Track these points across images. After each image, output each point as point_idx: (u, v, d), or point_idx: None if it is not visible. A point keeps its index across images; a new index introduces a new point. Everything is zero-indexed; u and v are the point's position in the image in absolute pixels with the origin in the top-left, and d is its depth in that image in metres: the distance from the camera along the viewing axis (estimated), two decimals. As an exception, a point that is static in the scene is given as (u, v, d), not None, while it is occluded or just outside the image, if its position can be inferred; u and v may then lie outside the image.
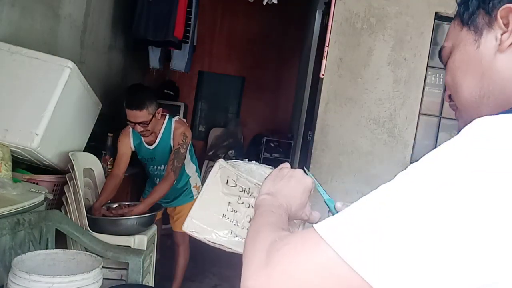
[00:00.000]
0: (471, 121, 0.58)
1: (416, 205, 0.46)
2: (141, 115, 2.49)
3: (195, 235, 0.90)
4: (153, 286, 2.52)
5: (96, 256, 1.79)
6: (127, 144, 2.72)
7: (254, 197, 0.86)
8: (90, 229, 2.23)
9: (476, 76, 0.64)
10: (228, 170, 0.93)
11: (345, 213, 0.51)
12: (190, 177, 2.90)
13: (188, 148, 2.74)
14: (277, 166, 0.86)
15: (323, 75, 2.98)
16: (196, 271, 3.57)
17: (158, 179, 2.82)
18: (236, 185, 0.90)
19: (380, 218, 0.47)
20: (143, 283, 2.19)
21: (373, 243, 0.46)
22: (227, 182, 0.91)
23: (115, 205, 2.58)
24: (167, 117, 2.72)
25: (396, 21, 3.09)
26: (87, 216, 2.25)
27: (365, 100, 3.11)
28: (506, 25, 0.61)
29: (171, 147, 2.69)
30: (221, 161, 0.95)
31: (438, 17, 3.11)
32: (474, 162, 0.46)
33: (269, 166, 0.94)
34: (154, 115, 2.54)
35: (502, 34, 0.62)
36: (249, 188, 0.90)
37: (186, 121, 3.07)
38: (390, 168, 3.08)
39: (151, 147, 2.72)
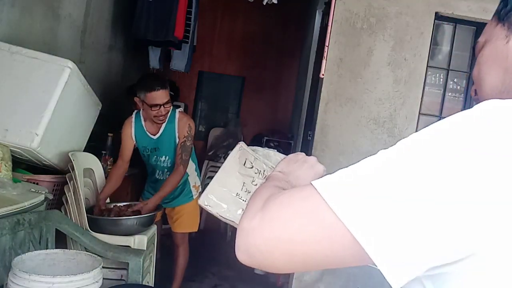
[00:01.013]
0: None
1: (412, 173, 0.49)
2: (166, 94, 2.56)
3: (209, 209, 0.95)
4: (153, 286, 2.52)
5: (96, 256, 1.79)
6: (128, 134, 2.75)
7: None
8: (90, 229, 2.23)
9: (500, 70, 0.66)
10: (247, 152, 0.99)
11: (342, 170, 0.54)
12: (188, 175, 2.88)
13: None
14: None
15: (323, 75, 2.98)
16: (196, 271, 3.57)
17: (159, 171, 2.81)
18: (252, 167, 0.96)
19: (372, 178, 0.51)
20: (143, 283, 2.19)
21: (362, 198, 0.49)
22: (244, 164, 0.97)
23: (113, 205, 2.57)
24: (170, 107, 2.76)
25: (396, 21, 3.08)
26: (87, 216, 2.25)
27: (365, 100, 3.11)
28: None
29: (175, 138, 2.70)
30: (241, 143, 1.02)
31: (438, 17, 3.11)
32: (471, 141, 0.49)
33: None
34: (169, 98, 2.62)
35: None
36: (264, 171, 0.96)
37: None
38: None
39: (154, 137, 2.73)
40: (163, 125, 2.70)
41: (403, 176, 0.49)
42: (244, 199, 0.94)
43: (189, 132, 2.68)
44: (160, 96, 2.53)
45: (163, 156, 2.76)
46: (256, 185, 0.94)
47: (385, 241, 0.48)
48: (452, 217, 0.47)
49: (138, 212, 2.47)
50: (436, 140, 0.51)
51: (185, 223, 2.95)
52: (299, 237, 0.52)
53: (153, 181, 2.89)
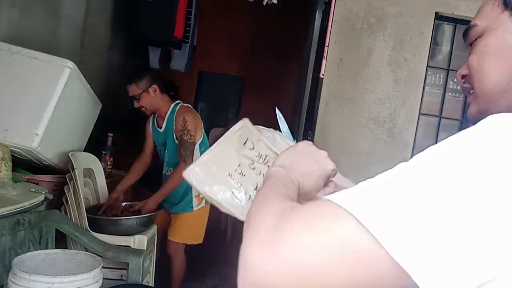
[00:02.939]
0: (486, 110, 0.61)
1: (432, 187, 0.44)
2: (130, 89, 2.62)
3: (194, 184, 0.84)
4: (153, 286, 2.52)
5: (96, 256, 1.79)
6: (148, 128, 2.84)
7: (268, 166, 0.81)
8: (90, 229, 2.22)
9: (508, 67, 0.61)
10: (250, 131, 0.87)
11: (363, 184, 0.47)
12: None
13: (200, 139, 2.70)
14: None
15: (323, 75, 2.98)
16: (196, 271, 3.57)
17: (166, 167, 2.79)
18: (253, 148, 0.84)
19: (402, 190, 0.45)
20: (143, 283, 2.19)
21: (394, 213, 0.44)
22: (245, 143, 0.85)
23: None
24: (176, 101, 2.75)
25: (396, 21, 3.08)
26: (87, 216, 2.25)
27: (365, 100, 3.11)
28: None
29: (173, 132, 2.68)
30: (246, 120, 0.89)
31: (438, 17, 3.11)
32: (488, 157, 0.44)
33: (294, 141, 0.88)
34: (145, 91, 2.61)
35: None
36: (266, 156, 0.84)
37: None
38: (390, 168, 3.07)
39: (161, 130, 2.75)
40: (166, 119, 2.70)
41: (426, 191, 0.44)
42: (237, 182, 0.82)
43: (183, 126, 2.58)
44: (127, 89, 2.63)
45: (167, 151, 2.76)
46: (254, 169, 0.83)
47: (428, 263, 0.42)
48: (473, 237, 0.42)
49: (138, 212, 2.47)
50: (455, 158, 0.46)
51: (179, 232, 2.80)
52: (329, 267, 0.43)
53: (163, 178, 2.83)
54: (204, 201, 2.81)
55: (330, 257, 0.43)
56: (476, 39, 0.66)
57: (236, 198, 0.82)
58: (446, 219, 0.42)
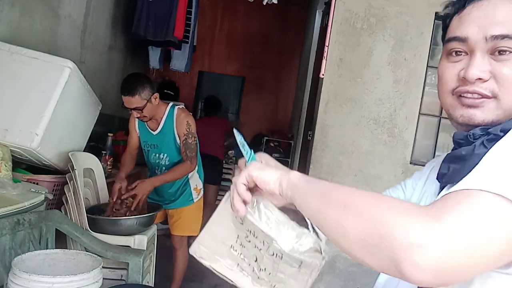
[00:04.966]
0: (500, 120, 0.67)
1: None
2: (133, 101, 2.51)
3: (203, 261, 0.86)
4: (153, 286, 2.52)
5: (96, 256, 1.79)
6: (132, 126, 2.81)
7: (260, 241, 0.79)
8: (90, 229, 2.23)
9: None
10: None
11: (487, 165, 0.56)
12: (189, 177, 2.85)
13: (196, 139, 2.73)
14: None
15: (323, 75, 2.97)
16: (196, 271, 3.57)
17: (158, 168, 2.79)
18: (242, 224, 0.81)
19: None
20: (143, 283, 2.19)
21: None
22: (236, 216, 0.82)
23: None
24: (170, 104, 2.73)
25: (396, 21, 3.08)
26: (87, 216, 2.25)
27: (365, 100, 3.11)
28: None
29: (174, 135, 2.68)
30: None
31: (438, 17, 3.10)
32: None
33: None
34: (149, 101, 2.54)
35: None
36: (254, 231, 0.81)
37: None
38: (390, 168, 3.08)
39: (154, 133, 2.72)
40: (162, 122, 2.69)
41: None
42: (240, 253, 0.83)
43: (188, 130, 2.64)
44: (127, 101, 2.52)
45: (162, 154, 2.74)
46: (249, 241, 0.81)
47: None
48: None
49: (137, 210, 2.47)
50: None
51: (183, 226, 2.90)
52: (491, 240, 0.52)
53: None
54: (201, 192, 2.94)
55: (490, 231, 0.51)
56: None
57: (243, 270, 0.83)
58: None
